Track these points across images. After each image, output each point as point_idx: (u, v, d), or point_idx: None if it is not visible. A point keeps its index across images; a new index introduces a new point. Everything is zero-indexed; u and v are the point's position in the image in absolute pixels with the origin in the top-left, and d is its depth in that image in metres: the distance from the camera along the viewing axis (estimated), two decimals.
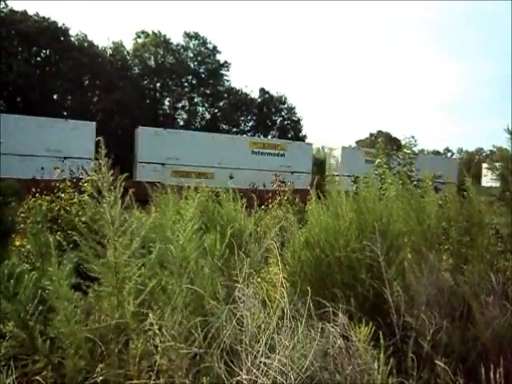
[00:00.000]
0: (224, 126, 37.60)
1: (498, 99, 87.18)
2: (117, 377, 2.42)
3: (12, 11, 29.84)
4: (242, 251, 3.20)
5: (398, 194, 3.98)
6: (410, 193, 3.95)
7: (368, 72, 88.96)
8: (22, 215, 4.60)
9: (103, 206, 2.54)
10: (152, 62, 35.57)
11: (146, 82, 35.30)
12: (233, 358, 2.27)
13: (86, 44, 32.75)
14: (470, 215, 3.64)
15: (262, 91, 39.65)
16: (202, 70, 37.64)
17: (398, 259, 3.36)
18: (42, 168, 15.79)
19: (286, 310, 2.37)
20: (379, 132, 47.86)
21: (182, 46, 37.08)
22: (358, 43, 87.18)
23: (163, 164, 21.38)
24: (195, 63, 37.44)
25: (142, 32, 36.20)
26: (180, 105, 37.88)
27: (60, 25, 31.38)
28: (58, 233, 4.48)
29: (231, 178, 17.94)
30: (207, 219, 3.73)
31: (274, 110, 39.82)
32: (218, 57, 37.95)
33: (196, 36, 37.56)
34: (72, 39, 32.23)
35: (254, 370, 2.12)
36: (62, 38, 31.12)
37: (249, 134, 38.10)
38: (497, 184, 4.10)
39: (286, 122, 40.32)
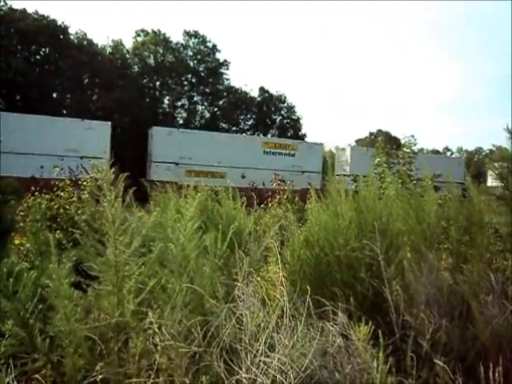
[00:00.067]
0: (223, 125, 37.55)
1: (497, 99, 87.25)
2: (116, 375, 2.42)
3: (11, 9, 29.75)
4: (242, 250, 3.20)
5: (398, 193, 3.98)
6: (409, 192, 3.95)
7: (368, 71, 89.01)
8: (22, 214, 4.59)
9: (104, 204, 2.53)
10: (151, 61, 35.50)
11: (145, 80, 35.22)
12: (232, 356, 2.27)
13: (85, 42, 32.64)
14: (469, 214, 3.64)
15: (262, 90, 39.60)
16: (201, 69, 37.56)
17: (397, 258, 3.37)
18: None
19: (285, 309, 2.37)
20: (379, 131, 47.86)
21: (182, 44, 37.00)
22: (358, 42, 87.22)
23: (177, 163, 21.59)
24: (195, 62, 37.35)
25: (142, 30, 36.12)
26: (179, 103, 37.80)
27: (59, 23, 31.30)
28: (58, 231, 4.48)
29: (243, 177, 18.04)
30: (207, 218, 3.73)
31: (273, 108, 39.76)
32: (218, 55, 37.90)
33: (196, 35, 37.48)
34: (71, 37, 32.13)
35: (254, 369, 2.12)
36: (61, 37, 31.02)
37: (248, 133, 38.06)
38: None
39: (285, 121, 40.26)
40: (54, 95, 31.88)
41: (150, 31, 35.97)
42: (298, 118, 40.50)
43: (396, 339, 2.73)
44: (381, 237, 3.16)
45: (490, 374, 2.42)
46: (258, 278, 3.17)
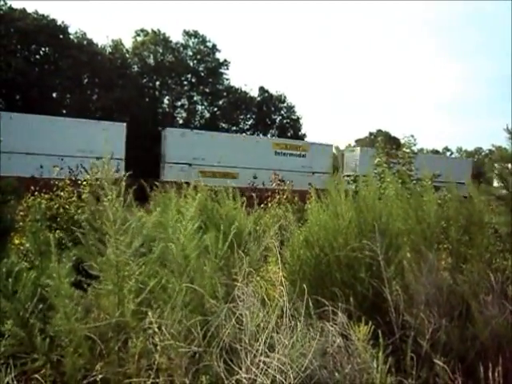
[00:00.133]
0: (223, 125, 37.54)
1: (497, 99, 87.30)
2: (116, 375, 2.42)
3: (11, 9, 29.73)
4: (242, 250, 3.20)
5: (398, 193, 3.98)
6: (409, 192, 3.95)
7: (367, 71, 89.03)
8: (21, 213, 4.59)
9: (105, 203, 2.53)
10: (151, 61, 35.49)
11: (145, 80, 35.21)
12: (232, 356, 2.27)
13: (85, 42, 32.63)
14: (469, 214, 3.64)
15: (262, 90, 39.60)
16: (201, 69, 37.55)
17: (397, 258, 3.37)
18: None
19: (285, 309, 2.37)
20: (379, 131, 47.89)
21: (182, 44, 36.99)
22: (358, 42, 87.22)
23: (190, 164, 21.80)
24: (194, 62, 37.34)
25: (142, 30, 36.11)
26: (179, 103, 37.79)
27: (59, 23, 31.29)
28: (57, 231, 4.48)
29: (255, 178, 18.21)
30: (206, 218, 3.73)
31: (273, 108, 39.76)
32: (218, 55, 37.89)
33: (195, 34, 37.47)
34: (71, 37, 32.11)
35: (254, 369, 2.12)
36: (61, 36, 31.01)
37: (248, 133, 38.06)
38: None
39: (285, 121, 40.26)
40: (54, 95, 31.87)
41: (149, 31, 35.96)
42: (298, 118, 40.51)
43: (396, 339, 2.73)
44: (381, 237, 3.16)
45: (490, 373, 2.42)
46: (258, 278, 3.17)
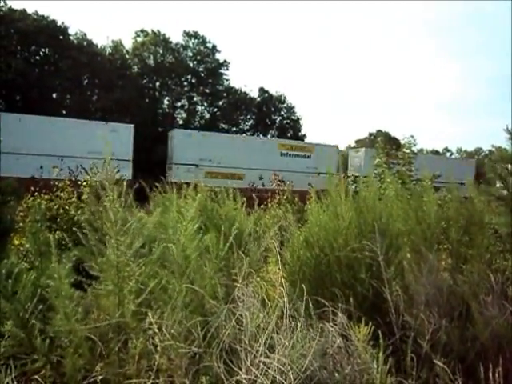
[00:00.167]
0: (223, 126, 37.55)
1: (497, 99, 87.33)
2: (116, 376, 2.41)
3: (11, 10, 29.75)
4: (242, 250, 3.20)
5: (397, 193, 3.98)
6: (409, 192, 3.95)
7: (367, 72, 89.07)
8: (21, 214, 4.59)
9: (106, 204, 2.53)
10: (151, 61, 35.50)
11: (145, 81, 35.22)
12: (232, 357, 2.27)
13: (85, 43, 32.65)
14: (469, 215, 3.64)
15: (262, 90, 39.62)
16: (201, 69, 37.57)
17: (397, 259, 3.37)
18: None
19: (285, 310, 2.37)
20: (378, 131, 47.92)
21: (182, 45, 37.00)
22: (357, 43, 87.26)
23: (197, 165, 21.90)
24: (194, 62, 37.36)
25: (142, 31, 36.13)
26: (179, 104, 37.80)
27: (59, 23, 31.31)
28: (57, 232, 4.48)
29: (261, 178, 18.30)
30: (206, 218, 3.73)
31: (273, 109, 39.77)
32: (218, 56, 37.90)
33: (195, 35, 37.49)
34: (71, 38, 32.13)
35: (254, 370, 2.12)
36: (61, 37, 31.03)
37: (248, 134, 38.08)
38: None
39: (285, 122, 40.28)
40: (54, 96, 31.88)
41: (149, 32, 35.98)
42: (298, 119, 40.53)
43: (396, 340, 2.73)
44: (380, 237, 3.16)
45: (490, 374, 2.42)
46: (258, 279, 3.17)
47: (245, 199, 4.12)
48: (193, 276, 2.68)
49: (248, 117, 39.69)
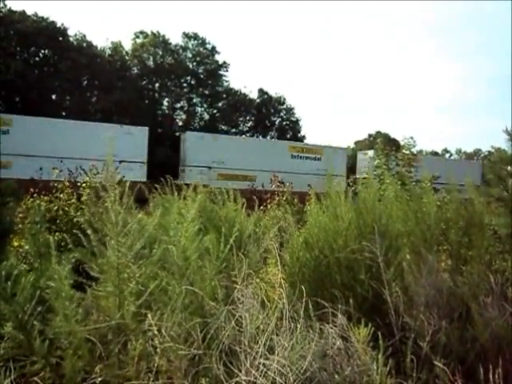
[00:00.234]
0: (223, 127, 37.58)
1: (497, 99, 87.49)
2: (116, 377, 2.41)
3: (10, 11, 29.79)
4: (241, 252, 3.20)
5: (397, 194, 3.98)
6: (409, 193, 3.95)
7: (367, 72, 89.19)
8: (21, 215, 4.58)
9: (107, 205, 2.53)
10: (151, 63, 35.55)
11: (144, 82, 35.26)
12: (232, 359, 2.27)
13: (84, 44, 32.69)
14: (469, 216, 3.64)
15: (261, 92, 39.68)
16: (200, 71, 37.62)
17: (396, 260, 3.36)
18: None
19: (284, 311, 2.37)
20: (378, 133, 47.91)
21: (181, 46, 37.06)
22: (357, 44, 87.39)
23: (209, 167, 22.16)
24: (194, 64, 37.41)
25: (141, 32, 36.19)
26: (179, 105, 37.85)
27: (59, 25, 31.36)
28: (57, 233, 4.47)
29: (272, 181, 18.48)
30: (206, 219, 3.72)
31: (272, 110, 39.82)
32: (217, 57, 37.97)
33: (195, 36, 37.55)
34: (71, 39, 32.18)
35: (253, 371, 2.11)
36: (60, 38, 31.07)
37: (248, 135, 38.11)
38: None
39: (284, 123, 40.33)
40: (54, 97, 31.93)
41: (149, 33, 36.05)
42: (298, 120, 40.57)
43: (396, 341, 2.73)
44: (380, 238, 3.16)
45: (490, 375, 2.42)
46: (258, 280, 3.17)
47: (244, 200, 4.11)
48: (193, 277, 2.67)
49: (247, 118, 39.74)
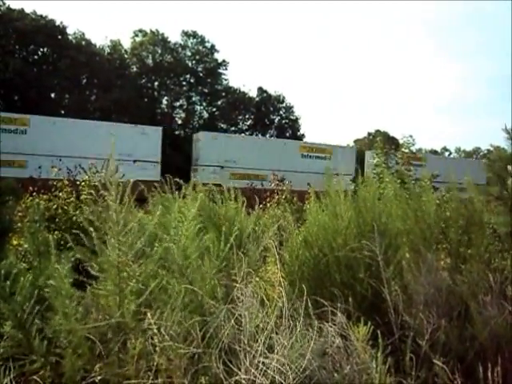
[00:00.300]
0: (222, 125, 37.56)
1: (497, 99, 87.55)
2: (115, 376, 2.41)
3: (9, 9, 29.71)
4: (241, 250, 3.20)
5: (396, 193, 3.99)
6: (408, 192, 3.95)
7: (366, 71, 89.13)
8: (20, 214, 4.58)
9: (110, 204, 2.53)
10: (150, 61, 35.49)
11: (143, 80, 35.21)
12: (231, 357, 2.27)
13: (83, 42, 32.63)
14: (468, 215, 3.64)
15: (260, 90, 39.65)
16: (200, 69, 37.57)
17: (396, 258, 3.37)
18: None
19: (284, 310, 2.37)
20: (377, 131, 47.92)
21: (180, 44, 37.01)
22: (356, 42, 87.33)
23: (222, 167, 22.32)
24: (193, 62, 37.36)
25: (140, 31, 36.13)
26: (178, 104, 37.81)
27: (57, 23, 31.29)
28: (56, 232, 4.47)
29: (283, 179, 18.62)
30: (206, 217, 3.71)
31: (271, 108, 39.81)
32: (216, 56, 37.94)
33: (194, 35, 37.49)
34: (69, 37, 32.12)
35: (253, 370, 2.12)
36: (59, 37, 31.01)
37: (247, 133, 38.09)
38: None
39: (283, 121, 40.33)
40: (52, 95, 31.87)
41: (148, 31, 35.98)
42: (297, 119, 40.61)
43: (395, 339, 2.73)
44: (380, 237, 3.16)
45: (489, 374, 2.42)
46: (257, 279, 3.17)
47: (245, 199, 4.10)
48: (193, 276, 2.67)
49: (247, 116, 39.72)
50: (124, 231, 2.53)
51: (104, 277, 2.56)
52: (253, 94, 39.29)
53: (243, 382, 2.11)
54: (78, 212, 4.60)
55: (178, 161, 23.52)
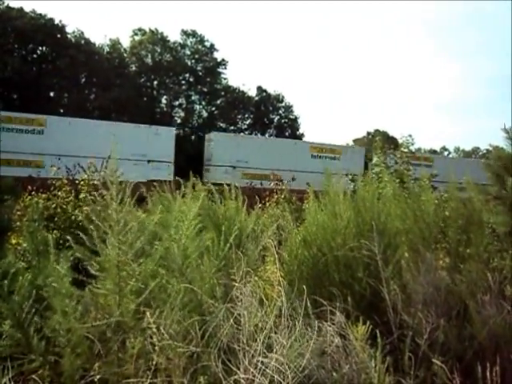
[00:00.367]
0: (221, 125, 37.51)
1: (497, 99, 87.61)
2: (114, 375, 2.41)
3: (8, 8, 29.63)
4: (240, 250, 3.20)
5: (395, 192, 3.99)
6: (407, 192, 3.95)
7: (366, 71, 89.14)
8: (19, 213, 4.57)
9: (110, 204, 2.53)
10: (149, 60, 35.43)
11: (143, 79, 35.16)
12: (230, 356, 2.27)
13: (82, 41, 32.56)
14: (467, 214, 3.65)
15: (260, 89, 39.60)
16: (199, 68, 37.51)
17: (395, 258, 3.37)
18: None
19: (283, 309, 2.37)
20: (376, 131, 47.90)
21: (180, 43, 36.94)
22: (356, 42, 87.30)
23: (234, 167, 22.50)
24: (192, 61, 37.30)
25: (139, 29, 36.05)
26: (177, 103, 37.75)
27: (57, 22, 31.21)
28: (55, 231, 4.46)
29: (293, 179, 18.72)
30: (206, 216, 3.71)
31: (271, 108, 39.77)
32: (216, 55, 37.86)
33: (193, 34, 37.43)
34: (69, 36, 32.04)
35: (252, 369, 2.12)
36: (58, 36, 30.93)
37: (246, 133, 38.06)
38: None
39: (283, 121, 40.28)
40: (52, 94, 31.80)
41: (147, 30, 35.91)
42: (296, 118, 40.56)
43: (394, 339, 2.74)
44: (379, 236, 3.17)
45: (488, 373, 2.43)
46: (256, 278, 3.17)
47: (246, 198, 4.10)
48: (192, 276, 2.67)
49: (246, 116, 39.68)
50: (124, 230, 2.53)
51: (103, 276, 2.56)
52: (252, 93, 39.29)
53: (242, 381, 2.11)
54: (77, 211, 4.60)
55: (178, 160, 23.49)
